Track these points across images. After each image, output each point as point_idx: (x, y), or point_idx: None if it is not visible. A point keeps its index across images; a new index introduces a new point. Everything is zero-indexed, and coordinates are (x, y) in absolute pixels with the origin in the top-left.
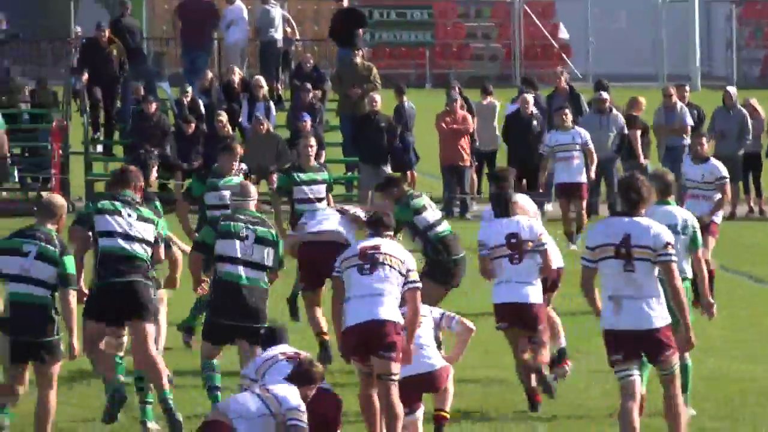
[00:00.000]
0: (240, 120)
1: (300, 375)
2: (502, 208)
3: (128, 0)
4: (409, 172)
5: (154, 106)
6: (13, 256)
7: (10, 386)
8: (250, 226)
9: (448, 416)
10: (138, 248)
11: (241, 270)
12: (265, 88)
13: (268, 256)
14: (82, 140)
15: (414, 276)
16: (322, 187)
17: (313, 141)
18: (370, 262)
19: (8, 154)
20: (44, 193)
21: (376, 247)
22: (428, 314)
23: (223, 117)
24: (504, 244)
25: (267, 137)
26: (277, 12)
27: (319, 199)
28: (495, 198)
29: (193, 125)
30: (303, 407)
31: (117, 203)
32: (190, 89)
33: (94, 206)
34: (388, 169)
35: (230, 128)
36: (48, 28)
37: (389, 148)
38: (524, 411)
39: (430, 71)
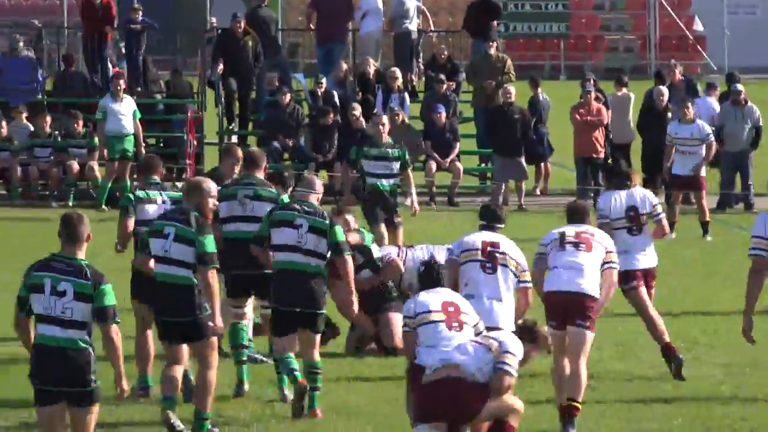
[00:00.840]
0: (375, 111)
1: (524, 331)
2: (622, 178)
3: None
4: (542, 164)
5: (288, 97)
6: (157, 238)
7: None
8: (304, 215)
9: (579, 408)
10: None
11: (296, 257)
12: (400, 79)
13: (321, 244)
14: (217, 131)
15: (527, 276)
16: (395, 164)
17: (385, 119)
18: (491, 260)
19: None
20: (188, 178)
21: (495, 245)
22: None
23: (357, 110)
24: (623, 217)
25: (401, 129)
26: (411, 3)
27: (391, 176)
28: (611, 169)
29: (328, 117)
30: (520, 357)
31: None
32: (324, 80)
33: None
34: (522, 161)
35: (364, 120)
36: (184, 19)
37: (523, 139)
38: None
39: (564, 63)
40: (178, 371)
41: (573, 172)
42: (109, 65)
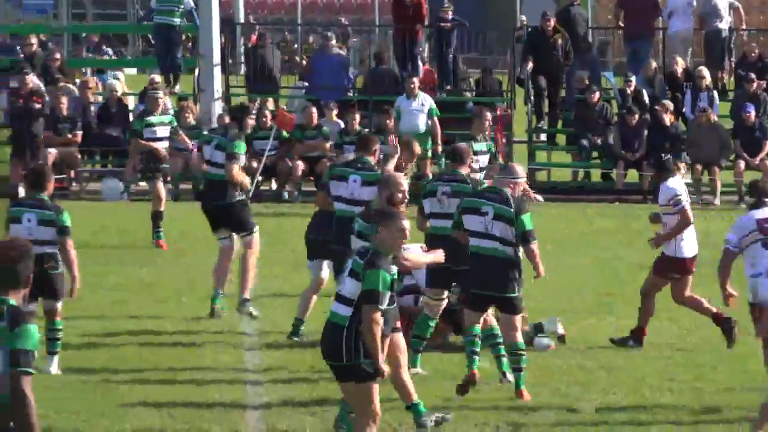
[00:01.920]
0: (684, 110)
1: None
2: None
3: None
4: None
5: (597, 95)
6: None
7: None
8: (490, 203)
9: None
10: None
11: (484, 243)
12: (708, 78)
13: (508, 231)
14: (526, 129)
15: None
16: (485, 157)
17: (489, 115)
18: None
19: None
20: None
21: None
22: None
23: (668, 108)
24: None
25: (711, 128)
26: (722, 1)
27: (481, 169)
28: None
29: (636, 116)
30: None
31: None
32: (633, 79)
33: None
34: None
35: (674, 118)
36: (494, 17)
37: None
38: None
39: None
40: None
41: None
42: (419, 63)
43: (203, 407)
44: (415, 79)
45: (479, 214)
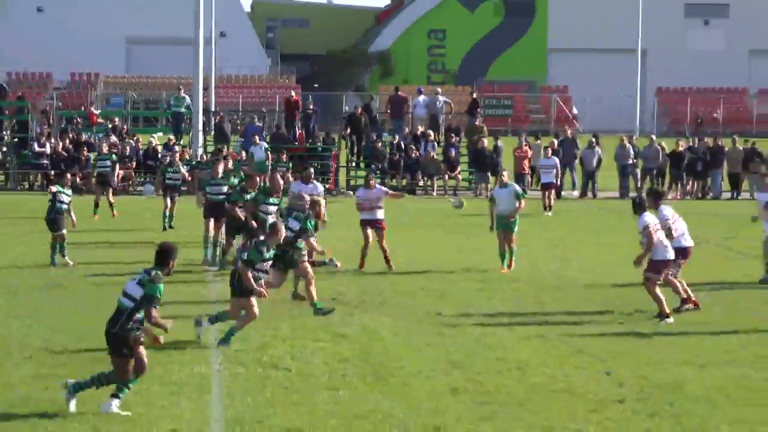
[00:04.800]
0: (420, 151)
1: None
2: None
3: None
4: None
5: (380, 144)
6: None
7: None
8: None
9: None
10: None
11: None
12: (432, 135)
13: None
14: (346, 160)
15: None
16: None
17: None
18: None
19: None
20: None
21: None
22: None
23: (414, 149)
24: None
25: (432, 160)
26: (441, 100)
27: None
28: None
29: (397, 154)
30: None
31: None
32: (397, 136)
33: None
34: None
35: (418, 154)
36: (333, 106)
37: None
38: None
39: None
40: None
41: None
42: (296, 131)
43: None
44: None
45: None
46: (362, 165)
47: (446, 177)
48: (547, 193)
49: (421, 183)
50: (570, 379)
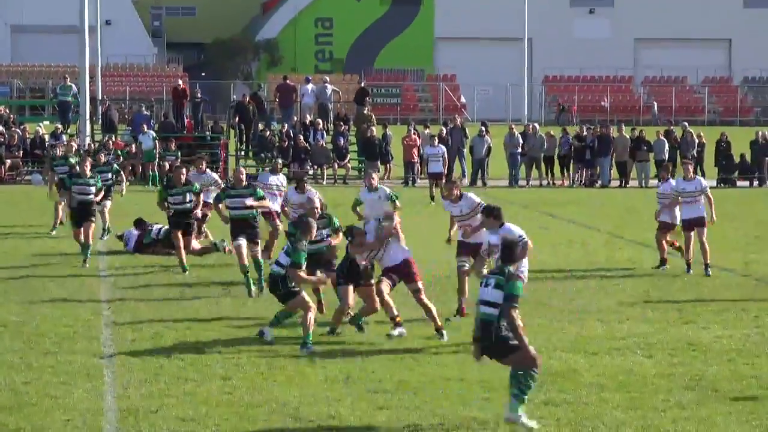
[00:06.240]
0: (309, 138)
1: None
2: None
3: None
4: None
5: (268, 132)
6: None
7: None
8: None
9: None
10: None
11: None
12: (322, 124)
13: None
14: (235, 149)
15: None
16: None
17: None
18: None
19: None
20: None
21: None
22: None
23: (302, 140)
24: None
25: (320, 147)
26: (329, 89)
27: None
28: None
29: (287, 142)
30: None
31: None
32: (286, 125)
33: None
34: None
35: (304, 143)
36: (222, 94)
37: None
38: None
39: None
40: None
41: None
42: (185, 121)
43: None
44: None
45: None
46: (251, 154)
47: (336, 166)
48: (435, 182)
49: (311, 172)
50: (463, 367)
